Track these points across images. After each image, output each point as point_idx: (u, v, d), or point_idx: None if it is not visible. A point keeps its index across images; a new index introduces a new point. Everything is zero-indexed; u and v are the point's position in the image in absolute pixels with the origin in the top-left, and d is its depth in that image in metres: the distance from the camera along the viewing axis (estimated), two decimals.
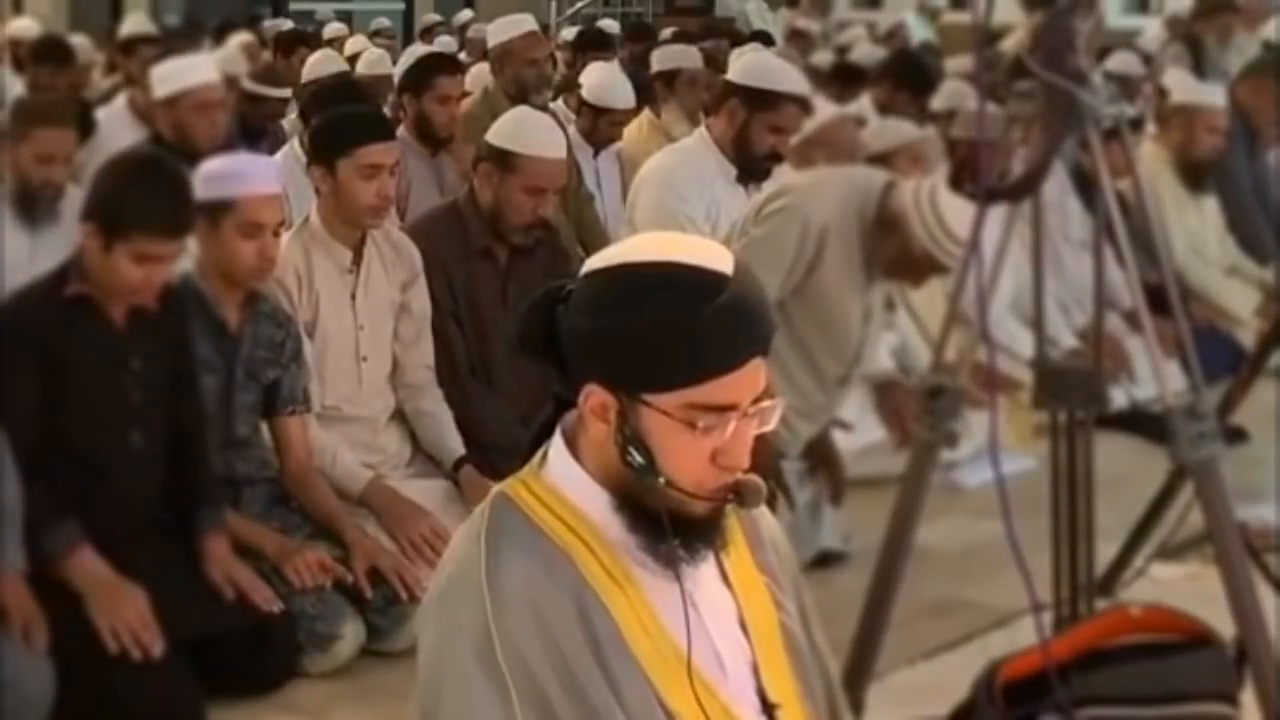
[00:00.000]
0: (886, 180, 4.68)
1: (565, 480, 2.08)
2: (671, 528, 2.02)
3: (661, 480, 2.00)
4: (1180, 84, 7.60)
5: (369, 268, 4.67)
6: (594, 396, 2.01)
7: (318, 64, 7.70)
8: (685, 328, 1.96)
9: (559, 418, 2.12)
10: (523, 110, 5.30)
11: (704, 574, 2.10)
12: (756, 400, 2.02)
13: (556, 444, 2.10)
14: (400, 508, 4.48)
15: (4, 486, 3.70)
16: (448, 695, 2.02)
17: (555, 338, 2.04)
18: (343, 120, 4.72)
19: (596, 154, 6.87)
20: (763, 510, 2.21)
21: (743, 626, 2.14)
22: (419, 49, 8.32)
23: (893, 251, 4.57)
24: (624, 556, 2.05)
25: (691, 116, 6.14)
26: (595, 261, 2.07)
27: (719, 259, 2.02)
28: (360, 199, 4.55)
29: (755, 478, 2.06)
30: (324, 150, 4.61)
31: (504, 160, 4.85)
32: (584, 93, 6.90)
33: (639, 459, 2.00)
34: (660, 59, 7.08)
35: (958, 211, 4.39)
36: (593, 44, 8.93)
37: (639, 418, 2.00)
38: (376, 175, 4.54)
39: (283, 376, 4.39)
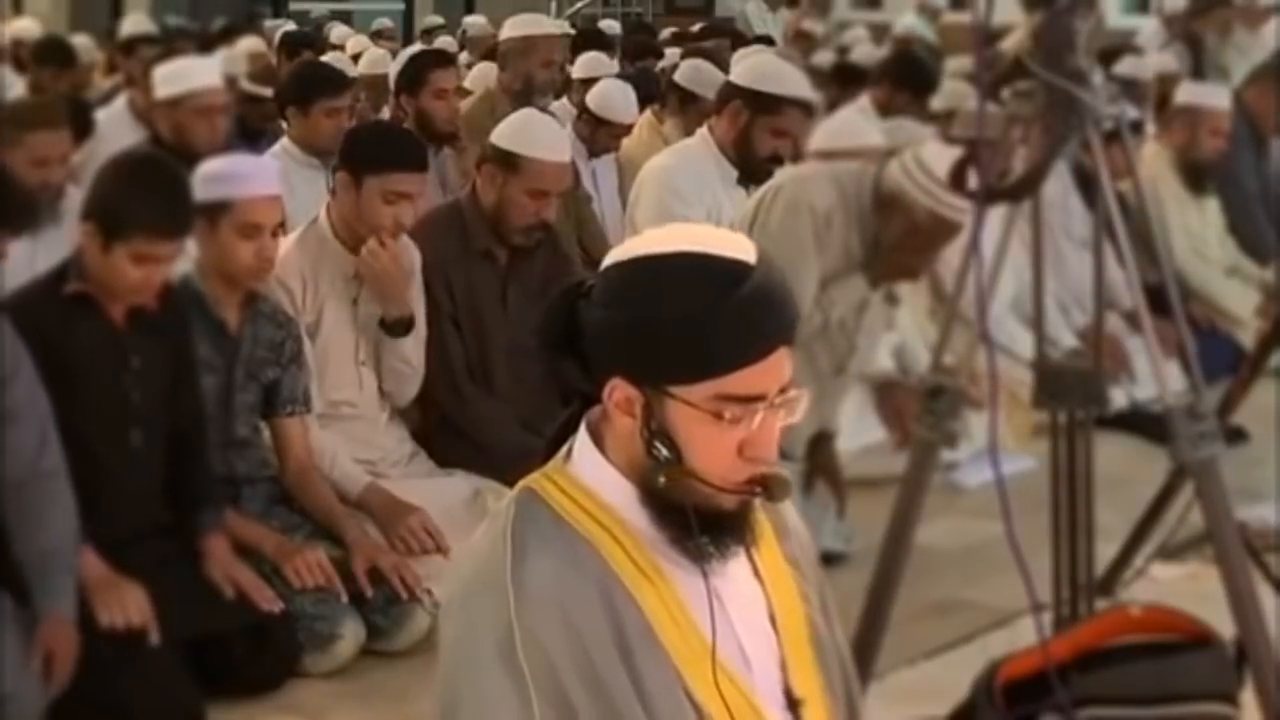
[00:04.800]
0: (874, 169, 4.70)
1: (591, 475, 2.06)
2: (699, 523, 2.00)
3: (687, 474, 1.98)
4: (1184, 85, 7.61)
5: None
6: (619, 390, 1.99)
7: None
8: (710, 318, 1.94)
9: (584, 412, 2.09)
10: (528, 112, 5.31)
11: (734, 569, 2.08)
12: (783, 390, 2.00)
13: (582, 438, 2.08)
14: (394, 508, 4.49)
15: (47, 527, 3.68)
16: (466, 691, 2.00)
17: (577, 333, 2.02)
18: (384, 138, 4.72)
19: (592, 157, 6.87)
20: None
21: (772, 621, 2.12)
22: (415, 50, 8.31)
23: (900, 228, 4.56)
24: (652, 550, 2.03)
25: (690, 133, 6.13)
26: (616, 254, 2.05)
27: (741, 248, 2.00)
28: (377, 220, 4.56)
29: (782, 470, 2.04)
30: (356, 161, 4.59)
31: (507, 161, 4.85)
32: (588, 101, 6.90)
33: (665, 452, 1.98)
34: (689, 76, 6.93)
35: (945, 159, 4.41)
36: (592, 44, 8.92)
37: (665, 411, 1.97)
38: (399, 202, 4.55)
39: (282, 377, 4.39)
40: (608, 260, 2.05)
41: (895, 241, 4.61)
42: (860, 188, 4.63)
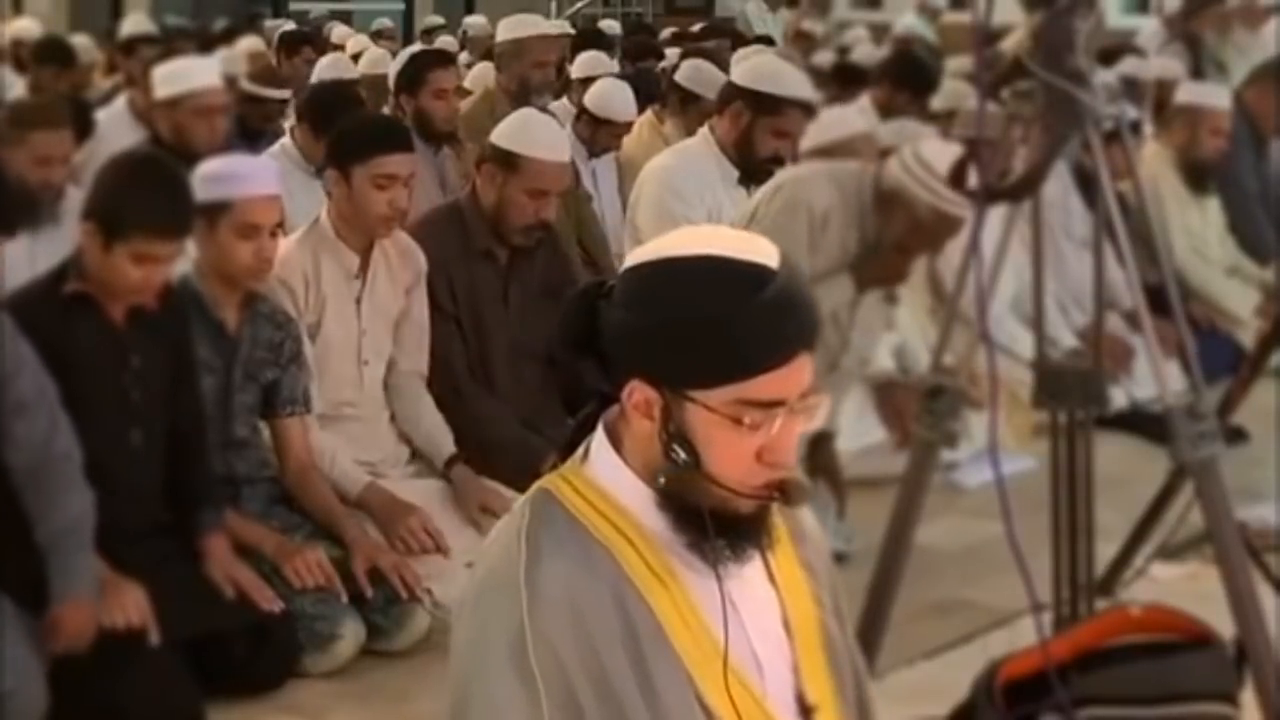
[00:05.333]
0: (874, 168, 4.72)
1: (608, 476, 2.05)
2: (716, 526, 1.99)
3: (705, 478, 1.97)
4: (1185, 85, 7.61)
5: (375, 274, 4.68)
6: (638, 393, 1.98)
7: (328, 68, 7.68)
8: (732, 322, 1.93)
9: (601, 412, 2.08)
10: (527, 112, 5.31)
11: (750, 573, 2.07)
12: (803, 396, 1.98)
13: (599, 439, 2.07)
14: (394, 508, 4.49)
15: (61, 507, 3.71)
16: (477, 692, 2.00)
17: (597, 334, 2.01)
18: (362, 127, 4.75)
19: (592, 156, 6.87)
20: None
21: (785, 625, 2.12)
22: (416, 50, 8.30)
23: (902, 225, 4.58)
24: (667, 553, 2.03)
25: (690, 133, 6.14)
26: (638, 256, 2.03)
27: (764, 252, 1.98)
28: (373, 208, 4.55)
29: (799, 476, 2.04)
30: (341, 156, 4.61)
31: (507, 161, 4.85)
32: (586, 100, 6.91)
33: (683, 455, 1.97)
34: (690, 76, 6.92)
35: (944, 155, 4.44)
36: (592, 44, 8.92)
37: (684, 414, 1.96)
38: (390, 186, 4.54)
39: (282, 377, 4.39)
40: (629, 261, 2.04)
41: (897, 239, 4.62)
42: (860, 186, 4.64)
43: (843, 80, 8.18)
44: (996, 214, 3.39)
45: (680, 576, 2.03)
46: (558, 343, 2.07)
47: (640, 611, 1.99)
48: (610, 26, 11.87)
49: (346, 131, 4.73)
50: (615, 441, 2.06)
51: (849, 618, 2.27)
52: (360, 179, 4.54)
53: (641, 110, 7.14)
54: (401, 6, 16.74)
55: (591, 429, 2.09)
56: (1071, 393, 3.55)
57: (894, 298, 4.96)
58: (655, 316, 1.96)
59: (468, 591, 2.07)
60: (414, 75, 6.46)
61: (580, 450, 2.09)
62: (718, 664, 2.02)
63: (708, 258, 1.97)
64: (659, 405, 1.98)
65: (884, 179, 4.61)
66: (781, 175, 5.00)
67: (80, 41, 9.27)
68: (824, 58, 10.07)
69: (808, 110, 5.59)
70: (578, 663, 1.96)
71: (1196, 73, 9.21)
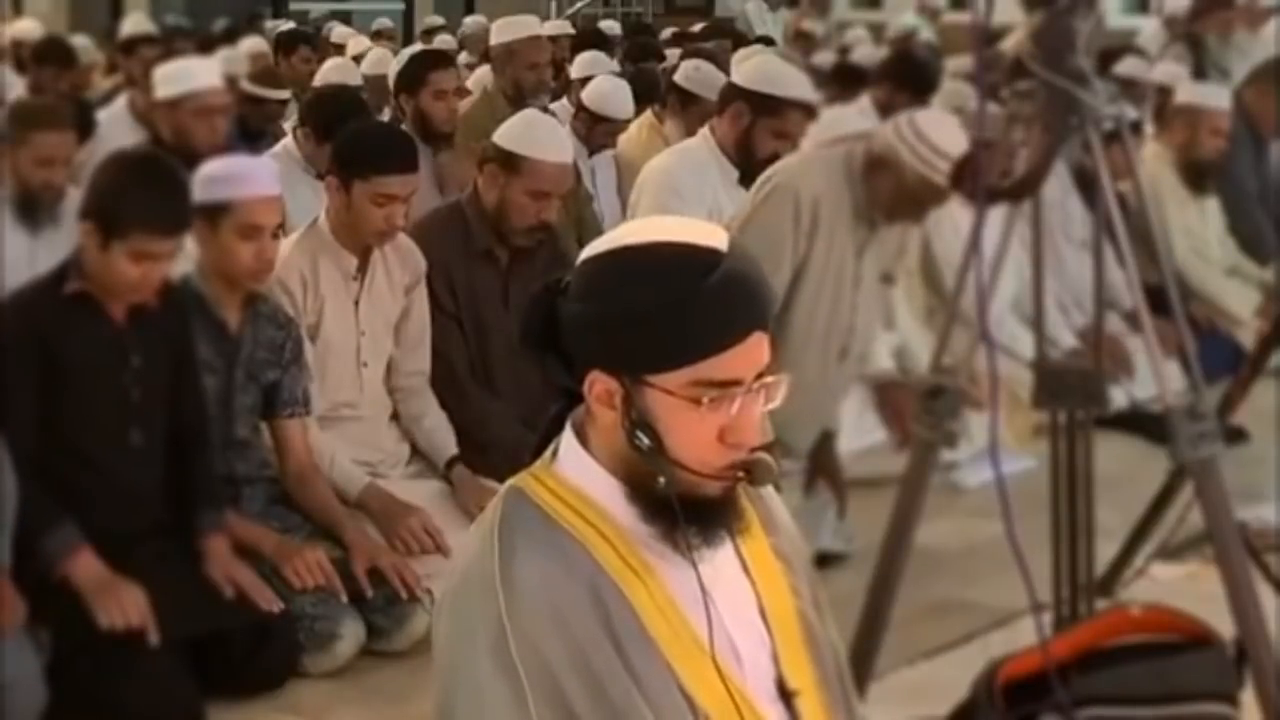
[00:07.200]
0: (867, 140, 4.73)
1: (577, 472, 2.07)
2: (684, 513, 2.01)
3: (669, 462, 1.99)
4: (1185, 85, 7.61)
5: (374, 275, 4.68)
6: (598, 383, 2.01)
7: (332, 73, 7.66)
8: (681, 305, 1.96)
9: (569, 412, 2.11)
10: (530, 113, 5.31)
11: (722, 562, 2.09)
12: (760, 376, 2.02)
13: (567, 437, 2.10)
14: (394, 508, 4.49)
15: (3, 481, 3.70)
16: (462, 694, 2.01)
17: (557, 330, 2.04)
18: (369, 142, 4.68)
19: (591, 154, 6.87)
20: (775, 496, 2.21)
21: (762, 614, 2.14)
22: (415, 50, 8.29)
23: (887, 189, 4.60)
24: (640, 546, 2.05)
25: (690, 134, 6.14)
26: (590, 249, 2.07)
27: (712, 236, 2.02)
28: (369, 223, 4.54)
29: (765, 455, 2.05)
30: (343, 167, 4.57)
31: (509, 162, 4.84)
32: (584, 98, 6.91)
33: (647, 441, 1.99)
34: (689, 77, 6.91)
35: (939, 126, 4.44)
36: (591, 44, 8.92)
37: (644, 400, 1.99)
38: (389, 204, 4.53)
39: (282, 378, 4.39)
40: (583, 255, 2.07)
41: (884, 204, 4.63)
42: (851, 159, 4.65)
43: (843, 80, 8.17)
44: (996, 214, 3.39)
45: (655, 568, 2.05)
46: (520, 342, 2.10)
47: (618, 605, 2.01)
48: (610, 27, 11.87)
49: (351, 143, 4.69)
50: (582, 438, 2.08)
51: (848, 617, 2.28)
52: (360, 194, 4.53)
53: (641, 111, 7.14)
54: (401, 6, 16.74)
55: (559, 428, 2.12)
56: (1071, 393, 3.55)
57: (890, 279, 4.96)
58: (607, 305, 1.99)
59: (444, 593, 2.10)
60: (414, 76, 6.47)
61: (549, 449, 2.12)
62: (697, 654, 2.04)
63: (655, 244, 2.01)
64: (619, 394, 2.01)
65: (875, 144, 4.62)
66: (776, 165, 5.01)
67: (80, 41, 9.27)
68: (824, 58, 10.07)
69: (808, 111, 5.59)
70: (562, 659, 1.97)
71: (1199, 75, 9.21)
